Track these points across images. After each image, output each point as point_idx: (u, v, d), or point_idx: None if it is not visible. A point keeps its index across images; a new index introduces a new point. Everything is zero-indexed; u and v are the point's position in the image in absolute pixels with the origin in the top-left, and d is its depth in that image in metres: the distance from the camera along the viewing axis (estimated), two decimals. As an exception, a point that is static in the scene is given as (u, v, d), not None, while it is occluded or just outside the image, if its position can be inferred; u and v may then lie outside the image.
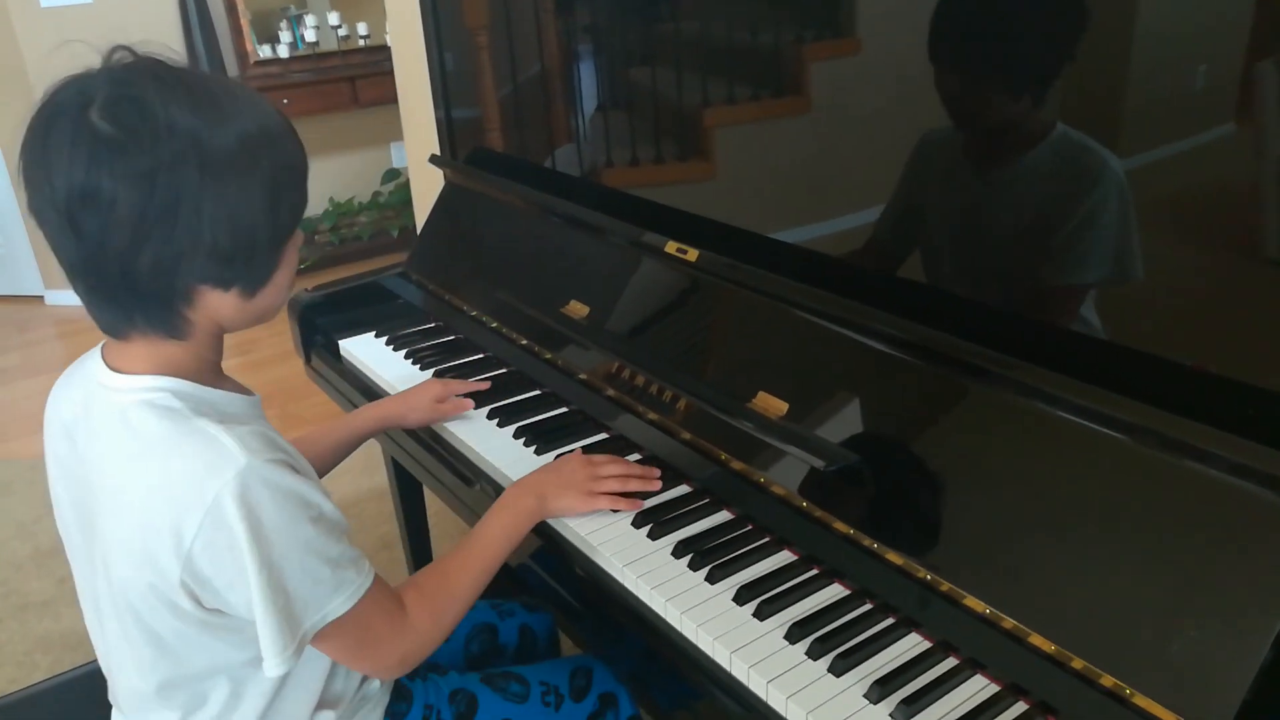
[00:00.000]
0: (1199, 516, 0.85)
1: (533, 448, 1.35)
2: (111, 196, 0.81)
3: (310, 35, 4.24)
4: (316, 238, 4.38)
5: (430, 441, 1.44)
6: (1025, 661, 0.90)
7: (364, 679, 1.10)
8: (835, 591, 1.05)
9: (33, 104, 0.85)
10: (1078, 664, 0.86)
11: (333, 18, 4.23)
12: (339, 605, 0.93)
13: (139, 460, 0.89)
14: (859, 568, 1.05)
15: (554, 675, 1.25)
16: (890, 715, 0.90)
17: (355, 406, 1.65)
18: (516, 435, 1.39)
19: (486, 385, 1.50)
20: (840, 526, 1.06)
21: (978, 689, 0.93)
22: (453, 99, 1.93)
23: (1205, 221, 0.92)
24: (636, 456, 1.31)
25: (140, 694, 0.99)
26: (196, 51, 3.97)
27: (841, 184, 1.24)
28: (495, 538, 1.13)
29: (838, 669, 0.95)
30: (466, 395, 1.47)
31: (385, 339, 1.74)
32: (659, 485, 1.23)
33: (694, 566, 1.09)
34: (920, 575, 0.99)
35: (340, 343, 1.76)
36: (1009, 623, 0.91)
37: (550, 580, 1.46)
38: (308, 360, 1.83)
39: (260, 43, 4.23)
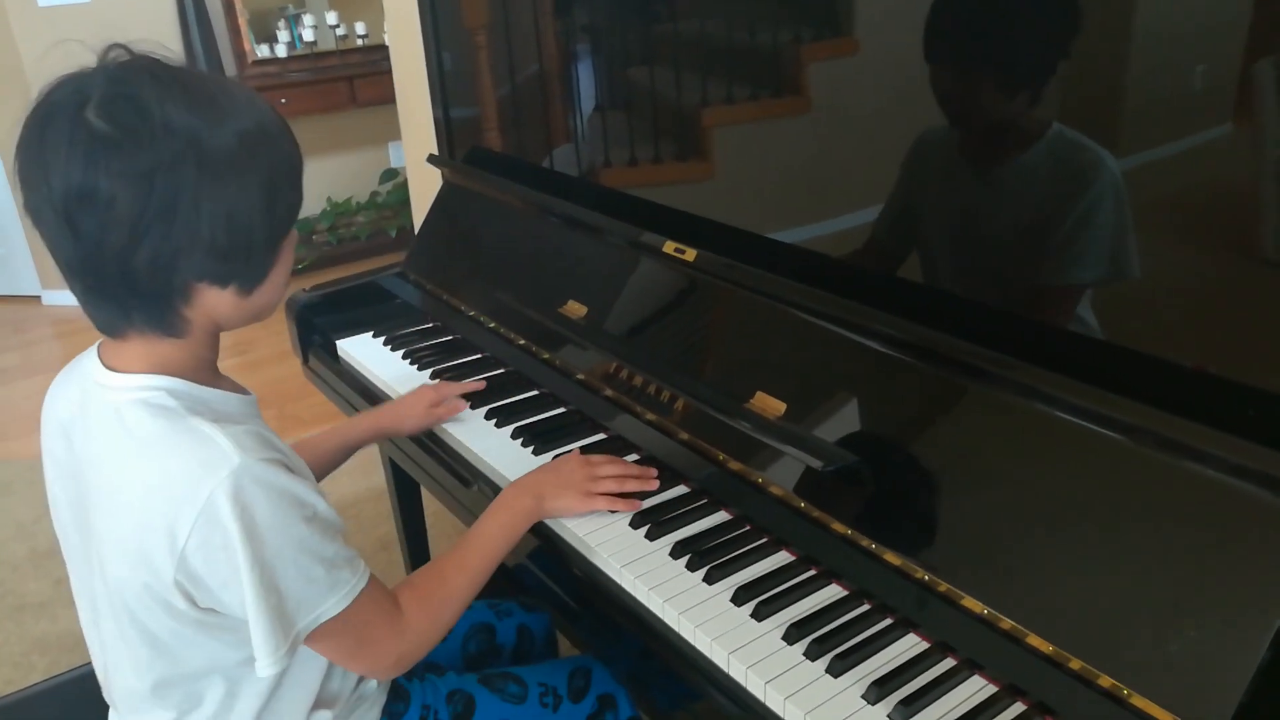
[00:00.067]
0: (1197, 517, 0.85)
1: (530, 448, 1.35)
2: (109, 195, 0.81)
3: (308, 35, 4.24)
4: (314, 237, 4.38)
5: (428, 442, 1.44)
6: (1023, 662, 0.90)
7: (361, 678, 1.10)
8: (833, 592, 1.05)
9: (29, 103, 0.84)
10: (1075, 664, 0.86)
11: (331, 17, 4.22)
12: (333, 605, 0.93)
13: (134, 459, 0.89)
14: (857, 568, 1.05)
15: (552, 676, 1.25)
16: (888, 716, 0.90)
17: (353, 407, 1.65)
18: (514, 436, 1.38)
19: (480, 386, 1.49)
20: (838, 527, 1.06)
21: (976, 689, 0.93)
22: (451, 99, 1.93)
23: (1203, 222, 0.92)
24: (634, 457, 1.31)
25: (136, 693, 0.98)
26: (194, 51, 3.97)
27: (840, 184, 1.24)
28: (492, 538, 1.13)
29: (836, 669, 0.95)
30: (461, 396, 1.46)
31: (383, 339, 1.74)
32: (657, 485, 1.23)
33: (692, 567, 1.09)
34: (918, 576, 0.99)
35: (338, 343, 1.76)
36: (1007, 623, 0.91)
37: (547, 581, 1.45)
38: (305, 360, 1.83)
39: (258, 42, 4.23)
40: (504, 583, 1.40)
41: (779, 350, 1.24)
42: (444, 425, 1.43)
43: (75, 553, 1.00)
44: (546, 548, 1.20)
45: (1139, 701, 0.82)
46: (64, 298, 4.14)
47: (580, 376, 1.44)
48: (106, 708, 1.09)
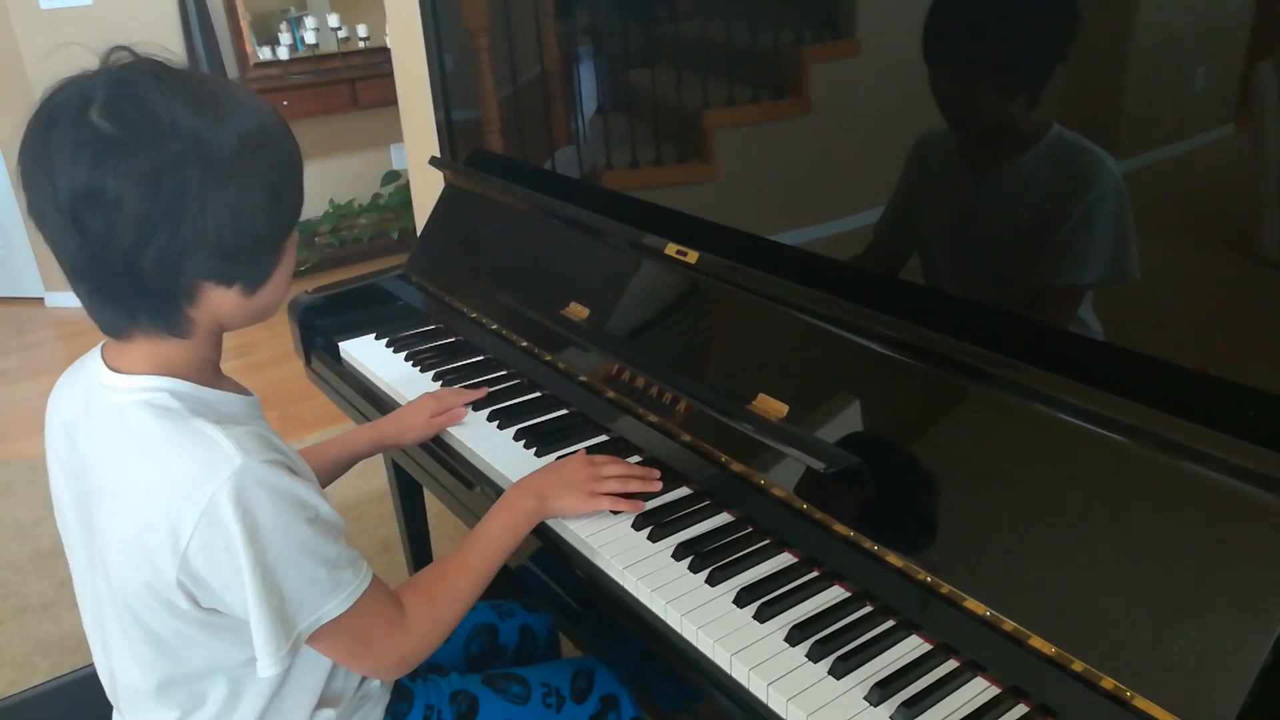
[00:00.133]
0: (1198, 519, 0.85)
1: (533, 450, 1.35)
2: (117, 195, 0.81)
3: (310, 37, 4.25)
4: (316, 239, 4.38)
5: (430, 444, 1.44)
6: (1026, 664, 0.90)
7: (364, 678, 1.10)
8: (836, 594, 1.05)
9: (31, 105, 0.85)
10: (1078, 666, 0.86)
11: (332, 19, 4.23)
12: (335, 606, 0.93)
13: (137, 460, 0.89)
14: (859, 570, 1.05)
15: (555, 677, 1.25)
16: (890, 718, 0.90)
17: (355, 408, 1.66)
18: (517, 437, 1.39)
19: (481, 394, 1.49)
20: (840, 529, 1.06)
21: (978, 691, 0.93)
22: (453, 101, 1.93)
23: (1204, 223, 0.92)
24: (637, 458, 1.31)
25: (140, 693, 0.99)
26: (196, 53, 3.97)
27: (841, 186, 1.24)
28: (495, 539, 1.13)
29: (838, 671, 0.95)
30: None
31: (385, 341, 1.74)
32: (660, 486, 1.23)
33: (694, 569, 1.09)
34: (921, 577, 0.99)
35: (340, 345, 1.76)
36: (1009, 625, 0.91)
37: (550, 582, 1.46)
38: (308, 362, 1.83)
39: (260, 44, 4.23)
40: (506, 584, 1.41)
41: (781, 352, 1.24)
42: (447, 427, 1.43)
43: (79, 553, 1.00)
44: (549, 549, 1.20)
45: (1141, 703, 0.82)
46: (67, 299, 4.15)
47: (582, 378, 1.45)
48: (109, 709, 1.09)
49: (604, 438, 1.38)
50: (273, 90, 4.02)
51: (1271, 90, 0.83)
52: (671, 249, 1.39)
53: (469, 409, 1.45)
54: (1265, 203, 0.86)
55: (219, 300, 0.91)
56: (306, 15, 4.29)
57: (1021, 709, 0.90)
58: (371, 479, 2.67)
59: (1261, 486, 0.81)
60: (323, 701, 1.04)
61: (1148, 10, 0.92)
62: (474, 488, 1.34)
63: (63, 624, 2.29)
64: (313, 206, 4.36)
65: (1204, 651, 0.80)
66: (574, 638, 1.53)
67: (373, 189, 4.55)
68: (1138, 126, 0.94)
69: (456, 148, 1.96)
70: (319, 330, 1.80)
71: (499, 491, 1.28)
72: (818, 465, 1.10)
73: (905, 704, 0.90)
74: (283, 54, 4.24)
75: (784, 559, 1.11)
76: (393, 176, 4.55)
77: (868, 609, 1.03)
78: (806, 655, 0.97)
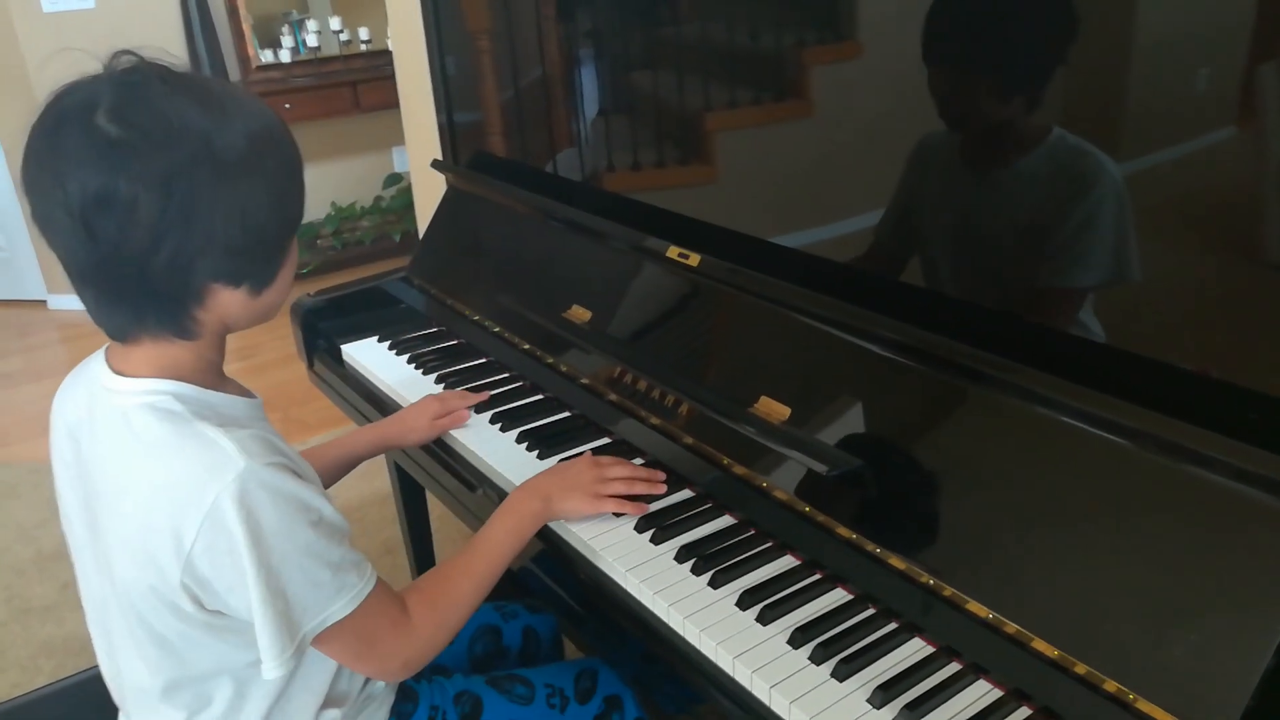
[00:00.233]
0: (1202, 522, 0.85)
1: (535, 452, 1.35)
2: (130, 199, 0.82)
3: (312, 40, 4.25)
4: (318, 242, 4.38)
5: (433, 447, 1.44)
6: (1028, 667, 0.90)
7: (369, 678, 1.10)
8: (838, 596, 1.05)
9: (34, 109, 0.85)
10: (1081, 669, 0.86)
11: (334, 22, 4.23)
12: (340, 609, 0.93)
13: (140, 462, 0.90)
14: (862, 573, 1.05)
15: (559, 678, 1.26)
16: (893, 720, 0.90)
17: (358, 411, 1.66)
18: (519, 440, 1.39)
19: (484, 397, 1.49)
20: (843, 531, 1.06)
21: (981, 694, 0.93)
22: (454, 103, 1.94)
23: (1205, 226, 0.92)
24: (639, 461, 1.31)
25: (146, 694, 0.99)
26: (199, 56, 3.98)
27: (843, 188, 1.24)
28: (500, 541, 1.13)
29: (841, 674, 0.95)
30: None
31: (388, 344, 1.74)
32: (665, 488, 1.23)
33: (697, 571, 1.09)
34: (923, 580, 0.99)
35: (343, 347, 1.76)
36: (1012, 628, 0.91)
37: (552, 584, 1.46)
38: (310, 365, 1.84)
39: (262, 47, 4.24)
40: (509, 586, 1.41)
41: (783, 355, 1.24)
42: (449, 430, 1.43)
43: (84, 554, 1.01)
44: (551, 552, 1.20)
45: (1144, 706, 0.82)
46: (69, 302, 4.15)
47: (585, 381, 1.45)
48: (112, 711, 1.09)
49: (606, 440, 1.38)
50: (275, 93, 4.03)
51: (1273, 92, 0.83)
52: (673, 252, 1.39)
53: (471, 412, 1.45)
54: (1267, 205, 0.86)
55: (226, 301, 0.91)
56: (308, 18, 4.29)
57: (1024, 712, 0.90)
58: (374, 481, 2.67)
59: (1264, 489, 0.81)
60: (328, 702, 1.04)
61: (1148, 12, 0.92)
62: (476, 490, 1.34)
63: (66, 626, 2.29)
64: (315, 209, 4.37)
65: (1206, 655, 0.80)
66: (576, 640, 1.53)
67: (375, 192, 4.56)
68: (1139, 129, 0.94)
69: (458, 150, 1.96)
70: (321, 333, 1.80)
71: (501, 494, 1.28)
72: (820, 468, 1.10)
73: (908, 707, 0.90)
74: (284, 57, 4.25)
75: (786, 562, 1.11)
76: (394, 179, 4.55)
77: (870, 612, 1.03)
78: (809, 658, 0.97)
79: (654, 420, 1.32)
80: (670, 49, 1.48)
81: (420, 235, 2.37)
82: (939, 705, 0.91)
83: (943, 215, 1.14)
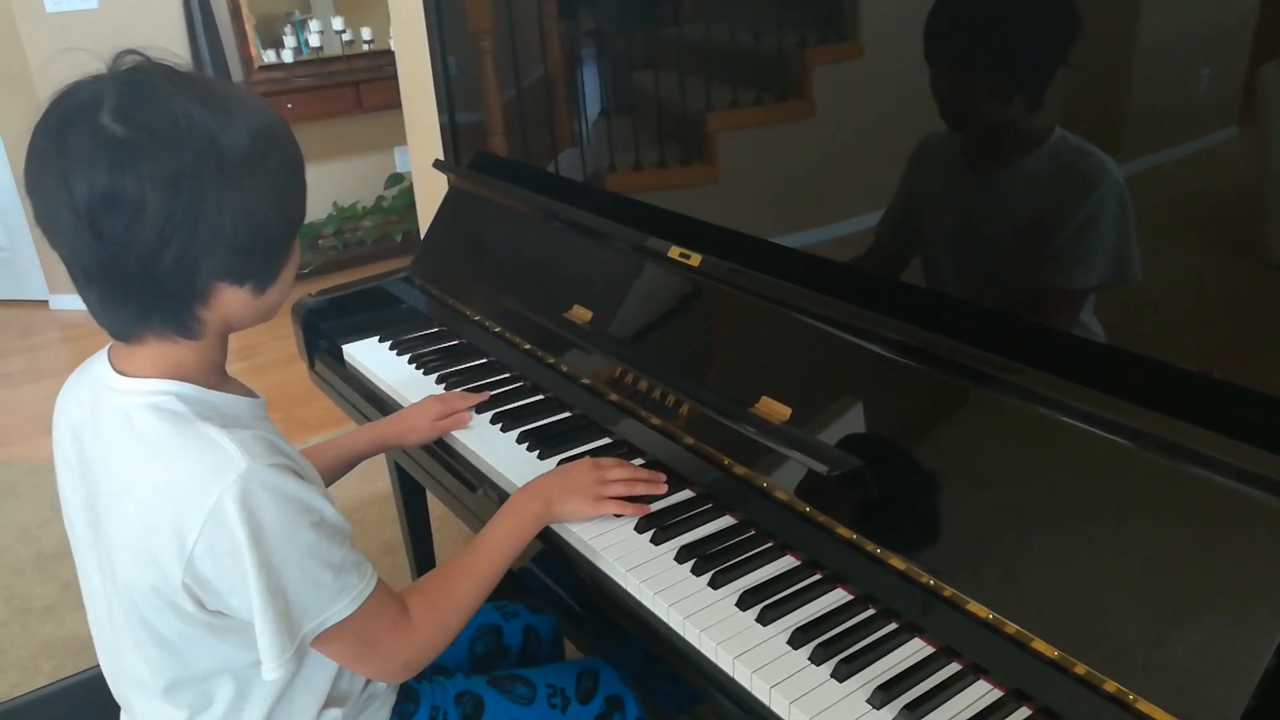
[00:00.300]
0: (1202, 522, 0.85)
1: (536, 452, 1.35)
2: (138, 199, 0.82)
3: (314, 40, 4.25)
4: (320, 242, 4.38)
5: (434, 447, 1.44)
6: (1028, 667, 0.90)
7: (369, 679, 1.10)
8: (838, 596, 1.05)
9: (37, 109, 0.85)
10: (1081, 670, 0.86)
11: (337, 22, 4.24)
12: (340, 610, 0.93)
13: (143, 462, 0.90)
14: (862, 573, 1.05)
15: (560, 678, 1.26)
16: (893, 720, 0.90)
17: (359, 411, 1.66)
18: (520, 440, 1.39)
19: (485, 398, 1.49)
20: (843, 532, 1.06)
21: (981, 694, 0.93)
22: (456, 104, 1.94)
23: (1207, 226, 0.92)
24: (640, 461, 1.31)
25: (148, 694, 0.99)
26: (201, 56, 3.98)
27: (845, 189, 1.24)
28: (501, 542, 1.13)
29: (841, 674, 0.95)
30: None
31: (389, 344, 1.74)
32: (665, 490, 1.23)
33: (697, 572, 1.09)
34: (923, 580, 0.99)
35: (344, 347, 1.76)
36: (1012, 628, 0.91)
37: (552, 585, 1.46)
38: (311, 365, 1.84)
39: (265, 47, 4.24)
40: (510, 586, 1.41)
41: (784, 355, 1.24)
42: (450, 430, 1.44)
43: (87, 554, 1.01)
44: (552, 552, 1.20)
45: (1144, 706, 0.82)
46: (71, 302, 4.15)
47: (585, 381, 1.45)
48: (112, 710, 1.09)
49: (607, 440, 1.38)
50: (277, 93, 4.03)
51: (1274, 93, 0.83)
52: (675, 252, 1.39)
53: (473, 413, 1.45)
54: (1268, 205, 0.86)
55: (230, 300, 0.92)
56: (311, 18, 4.30)
57: (1024, 712, 0.90)
58: (374, 481, 2.67)
59: (1265, 490, 0.81)
60: (329, 702, 1.04)
61: (1151, 13, 0.92)
62: (477, 490, 1.34)
63: (66, 626, 2.29)
64: (316, 209, 4.37)
65: (1207, 655, 0.80)
66: (577, 640, 1.53)
67: (376, 192, 4.56)
68: (1140, 129, 0.94)
69: (460, 150, 1.96)
70: (322, 333, 1.81)
71: (502, 494, 1.28)
72: (820, 468, 1.10)
73: (908, 707, 0.90)
74: (287, 57, 4.25)
75: (787, 562, 1.11)
76: (396, 179, 4.55)
77: (870, 612, 1.03)
78: (809, 658, 0.97)
79: (655, 420, 1.32)
80: (672, 49, 1.48)
81: (422, 235, 2.37)
82: (939, 705, 0.91)
83: (944, 216, 1.14)
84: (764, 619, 1.02)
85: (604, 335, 1.45)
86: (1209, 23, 0.87)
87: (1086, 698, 0.86)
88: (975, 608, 0.94)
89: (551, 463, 1.33)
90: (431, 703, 1.16)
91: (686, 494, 1.24)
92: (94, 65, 0.86)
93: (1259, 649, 0.78)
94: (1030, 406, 0.98)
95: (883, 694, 0.91)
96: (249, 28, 4.14)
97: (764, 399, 1.20)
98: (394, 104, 3.06)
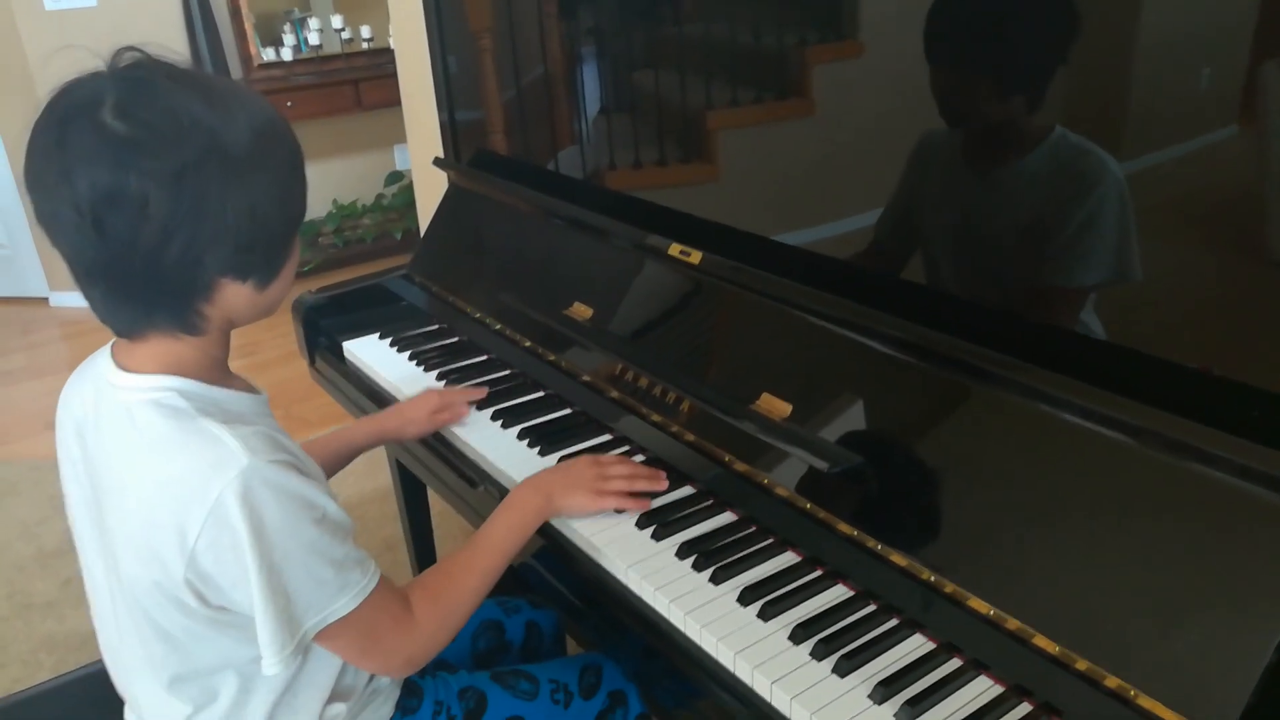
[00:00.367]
0: (1203, 518, 0.85)
1: (536, 449, 1.36)
2: (141, 195, 0.82)
3: (314, 38, 4.25)
4: (320, 240, 4.38)
5: (434, 443, 1.44)
6: (1029, 662, 0.90)
7: (374, 674, 1.10)
8: (839, 593, 1.06)
9: (37, 107, 0.85)
10: (1082, 665, 0.86)
11: (336, 20, 4.23)
12: (343, 606, 0.93)
13: (144, 458, 0.90)
14: (862, 569, 1.05)
15: (563, 673, 1.26)
16: (894, 716, 0.90)
17: (359, 408, 1.66)
18: (520, 437, 1.39)
19: (483, 393, 1.49)
20: (844, 528, 1.06)
21: (982, 690, 0.93)
22: (456, 102, 1.94)
23: (1208, 224, 0.92)
24: (641, 458, 1.31)
25: (152, 689, 0.99)
26: (200, 54, 3.98)
27: (845, 186, 1.24)
28: (502, 537, 1.13)
29: (842, 670, 0.95)
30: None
31: (389, 341, 1.74)
32: (666, 485, 1.23)
33: (698, 568, 1.09)
34: (924, 577, 0.99)
35: (344, 344, 1.76)
36: (1013, 624, 0.91)
37: (554, 581, 1.46)
38: (312, 362, 1.84)
39: (264, 45, 4.24)
40: (511, 582, 1.41)
41: (784, 352, 1.25)
42: (450, 426, 1.44)
43: (90, 549, 1.01)
44: (553, 548, 1.20)
45: (1145, 702, 0.82)
46: (71, 299, 4.15)
47: (586, 378, 1.45)
48: (113, 706, 1.09)
49: (607, 437, 1.38)
50: (276, 91, 4.03)
51: (1275, 91, 0.83)
52: (675, 249, 1.39)
53: (472, 408, 1.45)
54: (1269, 204, 0.86)
55: (233, 296, 0.92)
56: (310, 16, 4.29)
57: (1025, 708, 0.90)
58: (375, 478, 2.67)
59: (1265, 486, 0.81)
60: (333, 697, 1.04)
61: (1151, 11, 0.92)
62: (478, 487, 1.34)
63: (67, 622, 2.29)
64: (316, 207, 4.37)
65: (1208, 650, 0.80)
66: (578, 636, 1.53)
67: (376, 189, 4.56)
68: (1141, 128, 0.94)
69: (460, 148, 1.96)
70: (323, 330, 1.81)
71: (503, 491, 1.28)
72: (821, 464, 1.10)
73: (909, 703, 0.90)
74: (286, 55, 4.24)
75: (787, 558, 1.11)
76: (396, 177, 4.55)
77: (871, 608, 1.03)
78: (810, 654, 0.97)
79: (655, 417, 1.32)
80: (672, 47, 1.48)
81: (422, 233, 2.37)
82: (940, 701, 0.91)
83: (944, 214, 1.15)
84: (765, 615, 1.02)
85: (604, 332, 1.45)
86: (1209, 21, 0.87)
87: (1087, 693, 0.86)
88: (976, 604, 0.94)
89: (552, 459, 1.33)
90: (435, 698, 1.16)
91: (687, 490, 1.24)
92: (93, 63, 0.86)
93: (1260, 645, 0.78)
94: (1031, 403, 0.98)
95: (884, 689, 0.92)
96: (248, 26, 4.14)
97: (764, 396, 1.20)
98: (393, 102, 3.06)
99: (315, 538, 0.90)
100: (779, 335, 1.25)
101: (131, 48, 0.87)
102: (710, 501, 1.21)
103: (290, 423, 3.12)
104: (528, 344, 1.57)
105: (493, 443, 1.39)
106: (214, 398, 0.94)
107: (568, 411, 1.45)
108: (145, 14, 3.91)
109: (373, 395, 1.63)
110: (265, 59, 4.22)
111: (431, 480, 1.53)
